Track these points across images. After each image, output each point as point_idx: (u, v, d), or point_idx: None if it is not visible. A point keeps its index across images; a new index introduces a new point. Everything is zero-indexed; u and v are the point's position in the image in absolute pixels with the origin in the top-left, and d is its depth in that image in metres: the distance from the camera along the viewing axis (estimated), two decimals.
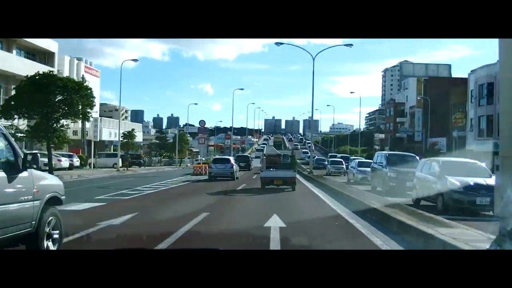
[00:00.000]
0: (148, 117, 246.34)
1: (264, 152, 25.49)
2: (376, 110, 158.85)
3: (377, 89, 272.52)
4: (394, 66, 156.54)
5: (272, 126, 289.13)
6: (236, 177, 26.30)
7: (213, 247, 3.55)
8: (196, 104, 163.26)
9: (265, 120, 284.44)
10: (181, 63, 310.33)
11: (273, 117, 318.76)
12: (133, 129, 51.21)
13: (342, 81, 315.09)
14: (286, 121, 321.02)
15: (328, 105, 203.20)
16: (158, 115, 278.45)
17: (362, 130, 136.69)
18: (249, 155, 44.99)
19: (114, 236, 7.28)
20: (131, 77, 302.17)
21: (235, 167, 27.15)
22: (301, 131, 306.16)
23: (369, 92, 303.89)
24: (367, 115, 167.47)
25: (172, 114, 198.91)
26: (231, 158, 29.35)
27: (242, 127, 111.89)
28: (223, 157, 34.56)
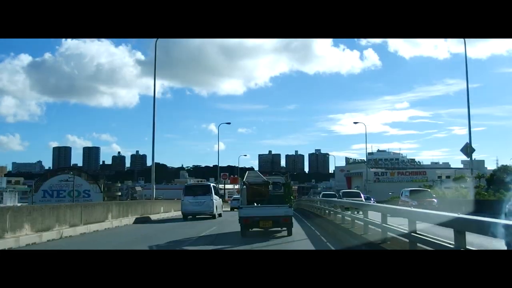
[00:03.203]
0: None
1: (245, 179, 15.42)
2: None
3: (376, 126, 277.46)
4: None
5: (269, 163, 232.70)
6: None
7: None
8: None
9: (259, 155, 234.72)
10: (183, 101, 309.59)
11: (270, 151, 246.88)
12: None
13: (341, 119, 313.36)
14: (287, 156, 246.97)
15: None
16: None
17: None
18: (211, 185, 24.53)
19: None
20: (132, 117, 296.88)
21: None
22: (306, 169, 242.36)
23: (368, 129, 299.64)
24: None
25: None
26: None
27: (229, 165, 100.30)
28: None
